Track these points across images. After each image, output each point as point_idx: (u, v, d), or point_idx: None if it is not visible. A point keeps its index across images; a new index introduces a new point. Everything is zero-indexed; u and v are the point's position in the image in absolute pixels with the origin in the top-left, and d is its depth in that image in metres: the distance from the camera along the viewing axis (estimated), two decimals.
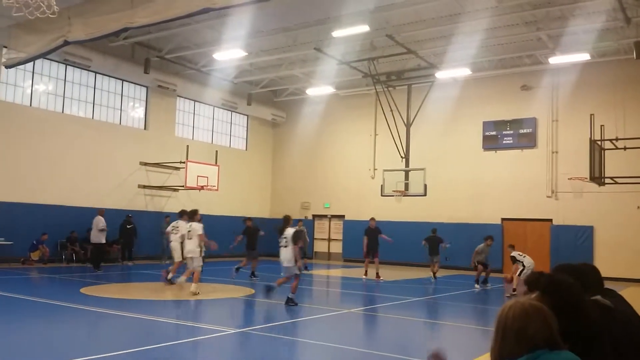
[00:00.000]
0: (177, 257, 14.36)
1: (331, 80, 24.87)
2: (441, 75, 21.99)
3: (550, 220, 21.92)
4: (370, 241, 18.72)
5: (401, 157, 21.76)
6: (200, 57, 22.95)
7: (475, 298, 15.14)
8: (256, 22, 18.38)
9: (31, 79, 19.91)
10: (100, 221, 17.88)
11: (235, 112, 27.88)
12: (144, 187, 23.01)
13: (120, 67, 21.75)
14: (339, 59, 21.03)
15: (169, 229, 14.42)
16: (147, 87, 23.54)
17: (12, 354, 6.85)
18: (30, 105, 19.87)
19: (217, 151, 23.69)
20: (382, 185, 21.34)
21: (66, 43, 14.54)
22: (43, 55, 16.15)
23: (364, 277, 18.44)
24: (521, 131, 22.95)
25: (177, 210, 23.61)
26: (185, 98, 25.40)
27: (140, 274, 17.33)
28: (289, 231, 11.61)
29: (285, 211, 27.19)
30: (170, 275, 14.17)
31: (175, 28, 19.32)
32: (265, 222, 26.78)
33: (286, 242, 11.57)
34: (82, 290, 12.81)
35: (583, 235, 21.20)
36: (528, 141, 22.77)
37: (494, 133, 23.52)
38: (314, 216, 28.06)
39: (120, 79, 22.65)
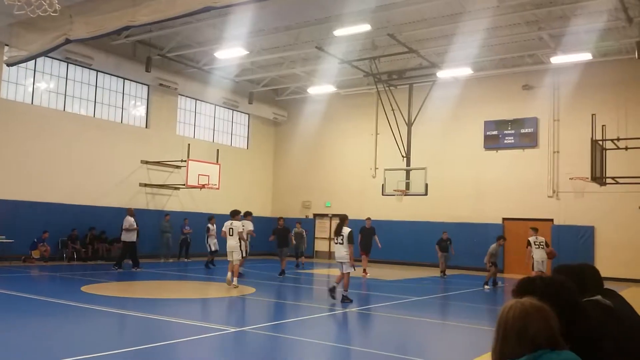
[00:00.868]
0: (237, 256, 14.37)
1: (332, 79, 24.85)
2: (442, 74, 21.97)
3: (552, 220, 21.90)
4: (364, 239, 19.25)
5: (402, 156, 21.76)
6: (202, 55, 22.96)
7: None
8: (257, 21, 18.39)
9: (33, 77, 19.91)
10: (127, 221, 17.96)
11: (237, 111, 27.88)
12: (145, 185, 23.03)
13: (121, 65, 21.76)
14: (340, 58, 21.01)
15: (224, 228, 14.58)
16: (148, 85, 23.54)
17: (10, 352, 6.86)
18: (32, 103, 19.88)
19: (218, 150, 23.70)
20: (383, 185, 21.34)
21: (68, 41, 14.53)
22: (44, 54, 16.14)
23: (363, 275, 18.54)
24: (522, 131, 22.93)
25: (178, 208, 23.86)
26: (186, 96, 25.40)
27: (141, 273, 17.33)
28: (346, 230, 12.31)
29: (286, 210, 27.36)
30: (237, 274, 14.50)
31: (176, 26, 19.33)
32: (262, 220, 26.81)
33: (341, 239, 12.29)
34: (83, 288, 12.82)
35: (584, 236, 21.18)
36: (529, 141, 22.75)
37: (495, 133, 23.50)
38: (315, 215, 28.06)
39: (122, 77, 22.65)
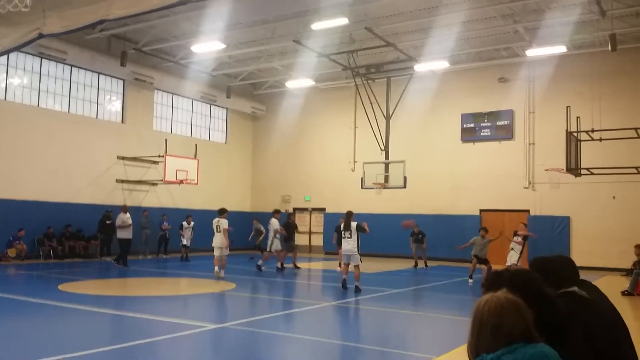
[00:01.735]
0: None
1: (311, 73, 24.82)
2: (420, 68, 22.07)
3: (528, 211, 22.20)
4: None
5: (381, 149, 21.84)
6: (178, 49, 22.73)
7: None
8: (234, 14, 18.25)
9: (5, 72, 19.53)
10: (120, 218, 17.86)
11: (215, 105, 27.68)
12: (122, 181, 22.77)
13: (96, 59, 21.44)
14: (318, 52, 20.97)
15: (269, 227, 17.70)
16: (124, 80, 23.24)
17: None
18: (5, 99, 19.50)
19: (196, 145, 23.54)
20: (362, 178, 21.42)
21: (41, 36, 14.19)
22: (17, 49, 15.76)
23: (339, 269, 18.53)
24: (499, 123, 23.18)
25: (156, 205, 23.62)
26: (163, 91, 25.13)
27: (120, 270, 17.16)
28: (354, 224, 13.15)
29: (266, 204, 27.29)
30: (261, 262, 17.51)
31: (152, 20, 19.11)
32: (243, 216, 26.74)
33: (350, 234, 13.11)
34: (60, 286, 12.66)
35: (560, 226, 21.52)
36: (505, 133, 23.01)
37: (472, 125, 23.72)
38: (295, 209, 28.04)
39: (97, 72, 22.32)
